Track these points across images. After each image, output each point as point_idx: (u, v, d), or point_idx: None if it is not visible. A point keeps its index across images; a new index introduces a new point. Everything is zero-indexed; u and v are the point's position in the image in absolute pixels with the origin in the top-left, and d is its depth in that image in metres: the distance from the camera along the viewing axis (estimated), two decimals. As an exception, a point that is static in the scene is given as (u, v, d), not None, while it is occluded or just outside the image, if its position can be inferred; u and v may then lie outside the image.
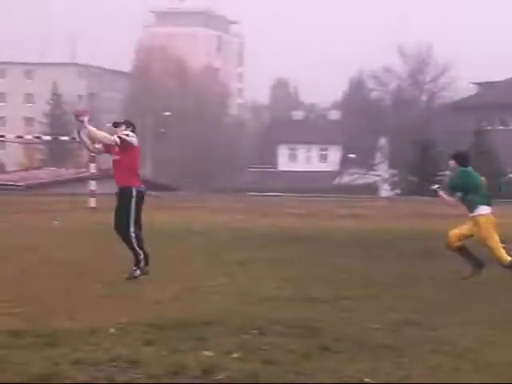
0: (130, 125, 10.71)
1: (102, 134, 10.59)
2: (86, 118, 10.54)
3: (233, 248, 14.82)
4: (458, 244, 11.00)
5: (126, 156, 10.50)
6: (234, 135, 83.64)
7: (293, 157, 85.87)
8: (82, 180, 32.78)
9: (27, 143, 60.06)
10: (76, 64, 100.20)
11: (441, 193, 11.00)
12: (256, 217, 24.74)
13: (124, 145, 10.44)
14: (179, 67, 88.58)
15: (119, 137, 10.43)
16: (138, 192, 10.52)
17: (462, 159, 10.84)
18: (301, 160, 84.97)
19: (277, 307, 8.66)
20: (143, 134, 79.95)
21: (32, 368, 6.14)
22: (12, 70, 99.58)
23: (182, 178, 68.85)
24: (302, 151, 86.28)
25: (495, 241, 10.61)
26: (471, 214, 10.69)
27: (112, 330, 7.43)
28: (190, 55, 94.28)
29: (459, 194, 10.64)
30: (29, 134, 45.79)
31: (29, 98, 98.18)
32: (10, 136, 30.94)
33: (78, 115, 10.61)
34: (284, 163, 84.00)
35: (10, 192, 39.59)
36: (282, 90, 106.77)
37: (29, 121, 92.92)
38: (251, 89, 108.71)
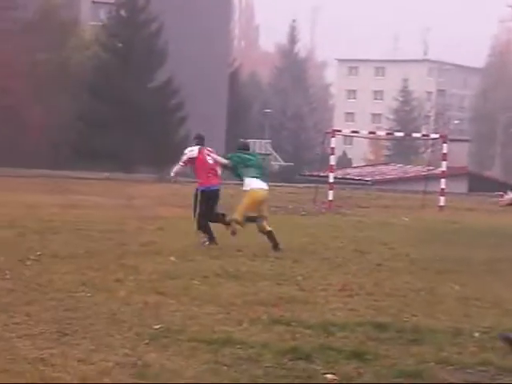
0: (197, 138, 13.73)
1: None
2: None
3: None
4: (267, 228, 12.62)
5: (193, 166, 13.43)
6: None
7: None
8: (429, 178, 32.60)
9: (377, 139, 61.40)
10: (427, 60, 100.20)
11: None
12: None
13: (187, 161, 13.47)
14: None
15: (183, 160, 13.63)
16: (204, 191, 13.14)
17: (242, 146, 13.30)
18: None
19: None
20: (493, 132, 78.02)
21: (399, 363, 6.14)
22: (364, 68, 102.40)
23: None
24: None
25: (245, 210, 12.53)
26: (244, 188, 12.53)
27: (476, 334, 7.22)
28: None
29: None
30: (376, 130, 46.66)
31: (378, 94, 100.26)
32: (362, 132, 31.73)
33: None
34: None
35: (357, 186, 40.72)
36: None
37: (376, 117, 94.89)
38: None
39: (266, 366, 6.01)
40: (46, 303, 7.93)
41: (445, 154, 26.47)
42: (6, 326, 7.00)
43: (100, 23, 51.67)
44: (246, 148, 13.33)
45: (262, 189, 12.56)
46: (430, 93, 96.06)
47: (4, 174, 30.73)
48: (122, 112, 46.13)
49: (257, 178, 12.61)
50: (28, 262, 10.44)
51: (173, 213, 18.96)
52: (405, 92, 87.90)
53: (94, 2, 57.69)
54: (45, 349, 6.28)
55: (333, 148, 26.04)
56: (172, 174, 13.86)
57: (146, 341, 6.60)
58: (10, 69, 42.66)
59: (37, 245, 12.01)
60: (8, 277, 9.35)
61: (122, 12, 49.71)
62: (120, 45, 49.05)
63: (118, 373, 5.72)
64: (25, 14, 44.61)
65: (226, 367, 5.94)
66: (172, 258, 11.27)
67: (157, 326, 7.04)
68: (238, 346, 6.49)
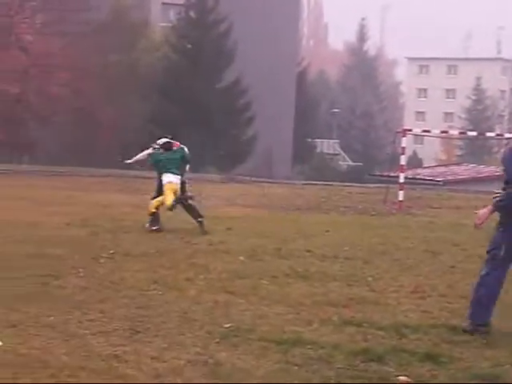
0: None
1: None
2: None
3: None
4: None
5: None
6: None
7: None
8: (502, 178, 31.99)
9: (449, 138, 60.51)
10: (501, 59, 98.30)
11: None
12: None
13: None
14: None
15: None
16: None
17: (163, 146, 15.58)
18: None
19: None
20: None
21: (474, 366, 6.03)
22: (435, 66, 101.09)
23: None
24: None
25: (169, 197, 14.74)
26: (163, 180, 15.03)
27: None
28: None
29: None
30: (448, 129, 45.94)
31: (450, 93, 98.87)
32: (434, 131, 31.21)
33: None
34: None
35: (427, 187, 40.17)
36: None
37: (448, 116, 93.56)
38: None
39: (338, 367, 5.97)
40: (119, 301, 8.04)
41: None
42: (81, 323, 7.11)
43: (170, 24, 52.15)
44: (167, 149, 15.49)
45: (171, 182, 15.01)
46: (503, 91, 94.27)
47: (77, 173, 31.29)
48: (192, 113, 46.47)
49: (170, 172, 15.01)
50: (101, 260, 10.61)
51: (241, 213, 19.02)
52: (478, 90, 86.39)
53: (163, 4, 58.20)
54: (118, 346, 6.36)
55: (403, 147, 25.69)
56: (130, 161, 16.34)
57: (217, 339, 6.62)
58: (83, 71, 43.35)
59: (109, 243, 12.18)
60: (82, 275, 9.51)
61: (192, 13, 50.05)
62: (189, 46, 49.39)
63: (190, 371, 5.75)
64: (97, 15, 45.26)
65: (296, 367, 5.92)
66: (241, 258, 11.30)
67: (227, 325, 7.06)
68: (309, 347, 6.46)
